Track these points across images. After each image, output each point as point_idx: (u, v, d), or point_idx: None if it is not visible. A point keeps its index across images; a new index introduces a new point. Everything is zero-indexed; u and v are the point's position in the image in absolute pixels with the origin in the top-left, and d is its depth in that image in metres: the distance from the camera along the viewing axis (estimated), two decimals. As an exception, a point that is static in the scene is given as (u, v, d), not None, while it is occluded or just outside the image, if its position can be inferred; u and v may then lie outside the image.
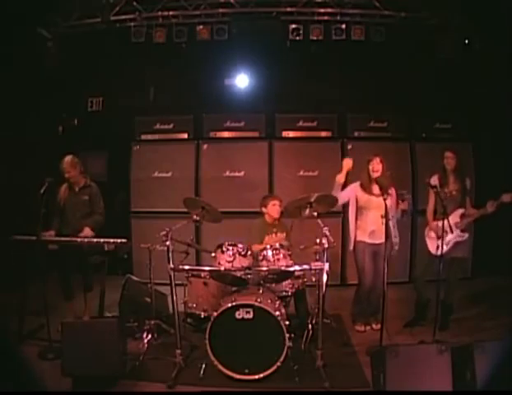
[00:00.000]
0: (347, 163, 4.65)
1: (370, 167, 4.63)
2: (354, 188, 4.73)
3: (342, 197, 4.67)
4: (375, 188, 4.63)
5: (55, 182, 4.47)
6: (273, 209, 4.75)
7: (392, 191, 4.58)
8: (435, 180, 4.59)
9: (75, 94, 6.75)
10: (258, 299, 3.75)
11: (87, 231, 4.60)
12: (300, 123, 6.49)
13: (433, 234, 4.59)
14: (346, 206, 4.96)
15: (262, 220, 4.85)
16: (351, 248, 4.76)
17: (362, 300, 4.79)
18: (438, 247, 4.37)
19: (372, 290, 4.68)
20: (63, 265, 4.67)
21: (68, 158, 4.74)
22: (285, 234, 4.77)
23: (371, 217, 4.63)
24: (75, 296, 4.77)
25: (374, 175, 4.62)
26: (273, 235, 4.72)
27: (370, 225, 4.63)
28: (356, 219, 4.72)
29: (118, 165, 6.63)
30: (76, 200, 4.76)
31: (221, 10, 6.20)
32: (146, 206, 6.40)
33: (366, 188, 4.66)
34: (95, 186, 4.88)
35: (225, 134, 6.55)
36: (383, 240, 4.57)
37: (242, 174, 6.39)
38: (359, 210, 4.68)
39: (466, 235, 4.51)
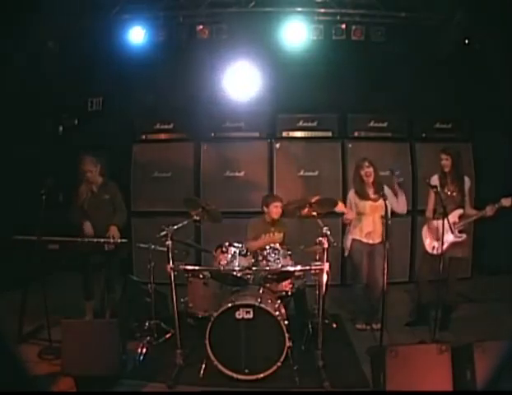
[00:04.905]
0: (340, 207, 4.67)
1: (362, 172, 4.66)
2: (350, 197, 4.77)
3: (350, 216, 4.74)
4: (371, 192, 4.67)
5: (71, 183, 4.52)
6: (274, 211, 4.75)
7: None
8: (435, 180, 4.59)
9: (75, 94, 6.74)
10: (258, 299, 3.75)
11: (114, 231, 4.55)
12: (300, 123, 6.49)
13: (430, 234, 4.60)
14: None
15: (262, 219, 4.85)
16: (347, 253, 4.80)
17: (361, 299, 4.80)
18: (434, 247, 4.40)
19: (370, 290, 4.70)
20: (86, 265, 4.66)
21: (88, 157, 4.70)
22: (282, 234, 4.77)
23: (369, 221, 4.67)
24: (95, 296, 4.76)
25: (369, 180, 4.66)
26: (271, 234, 4.72)
27: (367, 228, 4.67)
28: (354, 222, 4.76)
29: (118, 165, 6.62)
30: (97, 200, 4.71)
31: (220, 10, 6.20)
32: (146, 207, 6.40)
33: (362, 194, 4.69)
34: (114, 184, 4.85)
35: (226, 134, 6.55)
36: (379, 240, 4.61)
37: (242, 174, 6.39)
38: (357, 215, 4.71)
39: (464, 236, 4.51)
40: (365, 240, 4.68)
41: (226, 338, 3.72)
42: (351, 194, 4.79)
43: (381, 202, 4.37)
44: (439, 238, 4.33)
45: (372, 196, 4.67)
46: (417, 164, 6.32)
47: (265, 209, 4.81)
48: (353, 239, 4.73)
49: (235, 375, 3.69)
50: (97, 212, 4.66)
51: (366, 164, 4.65)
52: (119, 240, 4.50)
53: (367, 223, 4.67)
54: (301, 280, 4.53)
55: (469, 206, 4.58)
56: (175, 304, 3.89)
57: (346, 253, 4.86)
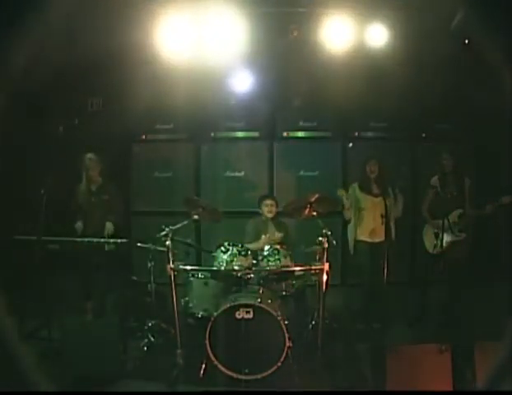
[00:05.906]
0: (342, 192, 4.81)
1: (368, 168, 4.73)
2: (352, 190, 4.80)
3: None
4: (374, 188, 4.71)
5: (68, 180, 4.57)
6: (266, 209, 4.77)
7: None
8: (435, 181, 4.62)
9: (75, 94, 6.73)
10: (258, 299, 3.75)
11: (109, 226, 4.60)
12: (300, 123, 6.49)
13: (430, 234, 4.64)
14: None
15: (259, 219, 4.85)
16: (352, 251, 4.82)
17: (363, 300, 4.81)
18: (435, 246, 4.43)
19: (372, 290, 4.70)
20: (86, 265, 4.67)
21: (91, 155, 4.73)
22: (283, 234, 4.77)
23: (369, 217, 4.69)
24: (92, 296, 4.77)
25: (372, 176, 4.71)
26: (271, 234, 4.72)
27: (368, 225, 4.69)
28: (357, 219, 4.78)
29: (118, 165, 6.61)
30: (95, 200, 4.74)
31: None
32: (146, 206, 6.40)
33: (365, 188, 4.75)
34: (113, 185, 4.87)
35: (226, 134, 6.54)
36: (381, 239, 4.62)
37: (242, 174, 6.39)
38: (358, 210, 4.74)
39: (463, 235, 4.54)
40: (369, 240, 4.71)
41: (226, 338, 3.72)
42: (354, 188, 4.84)
43: (381, 199, 4.40)
44: (439, 237, 4.34)
45: (374, 191, 4.74)
46: (417, 164, 6.31)
47: (259, 210, 4.84)
48: (356, 240, 4.75)
49: (235, 375, 3.69)
50: (94, 212, 4.68)
51: (373, 161, 4.79)
52: (119, 240, 4.50)
53: (368, 220, 4.70)
54: (301, 280, 4.52)
55: (469, 206, 4.59)
56: (175, 304, 3.89)
57: (351, 251, 4.88)
